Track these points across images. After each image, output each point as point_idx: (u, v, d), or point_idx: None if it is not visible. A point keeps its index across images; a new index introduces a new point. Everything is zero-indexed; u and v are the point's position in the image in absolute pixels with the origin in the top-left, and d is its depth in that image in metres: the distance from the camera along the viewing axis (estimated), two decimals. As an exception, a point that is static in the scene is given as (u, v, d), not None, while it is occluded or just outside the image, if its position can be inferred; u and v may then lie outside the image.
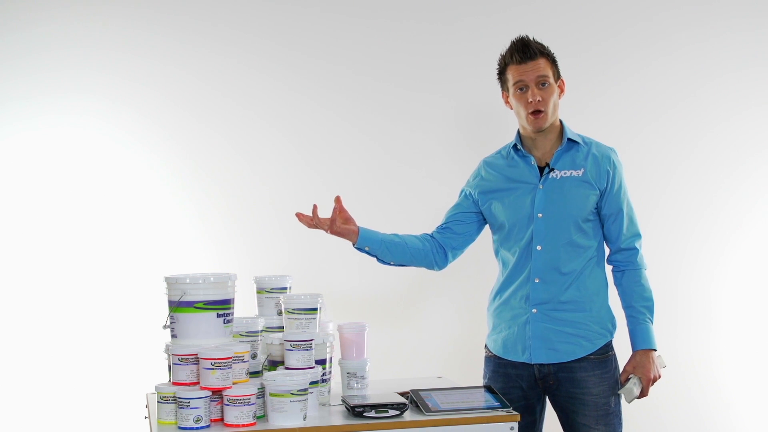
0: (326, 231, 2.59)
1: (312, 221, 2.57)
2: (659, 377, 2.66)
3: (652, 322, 2.67)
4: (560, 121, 2.72)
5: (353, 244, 2.65)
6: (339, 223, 2.58)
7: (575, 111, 3.50)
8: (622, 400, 2.67)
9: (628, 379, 2.64)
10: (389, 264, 2.73)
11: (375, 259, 2.71)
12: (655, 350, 2.65)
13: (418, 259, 2.74)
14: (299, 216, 2.59)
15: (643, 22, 3.75)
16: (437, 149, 3.62)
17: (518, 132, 2.74)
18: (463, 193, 2.83)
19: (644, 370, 2.63)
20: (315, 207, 2.56)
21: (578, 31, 3.69)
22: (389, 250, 2.69)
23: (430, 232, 2.80)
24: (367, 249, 2.66)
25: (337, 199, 2.58)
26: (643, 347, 2.65)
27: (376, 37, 3.60)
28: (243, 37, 3.51)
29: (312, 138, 3.56)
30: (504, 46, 2.71)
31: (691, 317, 3.75)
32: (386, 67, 3.60)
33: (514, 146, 2.74)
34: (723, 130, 3.77)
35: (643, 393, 2.65)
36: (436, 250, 2.77)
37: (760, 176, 3.79)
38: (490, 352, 2.76)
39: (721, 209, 3.77)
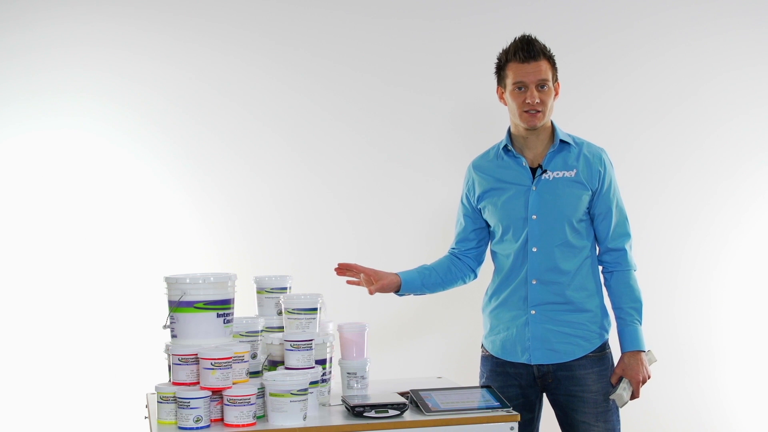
0: (370, 293, 2.69)
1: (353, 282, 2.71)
2: (649, 377, 2.64)
3: (640, 323, 2.65)
4: (551, 122, 2.70)
5: (396, 293, 2.76)
6: (374, 288, 2.67)
7: (575, 111, 3.51)
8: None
9: (618, 383, 2.63)
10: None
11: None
12: (644, 351, 2.64)
13: (450, 284, 2.84)
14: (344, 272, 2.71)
15: (643, 21, 3.74)
16: (435, 149, 3.62)
17: (508, 132, 2.72)
18: (462, 203, 2.83)
19: (633, 372, 2.62)
20: (341, 269, 2.69)
21: (576, 30, 3.68)
22: (427, 289, 2.80)
23: (448, 252, 2.86)
24: (407, 295, 2.79)
25: (341, 270, 2.69)
26: (631, 349, 2.63)
27: (376, 37, 3.59)
28: (244, 37, 3.50)
29: (312, 138, 3.55)
30: (502, 45, 2.70)
31: (690, 316, 3.75)
32: (387, 67, 3.60)
33: (505, 147, 2.72)
34: (726, 130, 3.77)
35: (634, 395, 2.64)
36: (461, 266, 2.82)
37: (761, 176, 3.79)
38: (487, 351, 2.76)
39: (720, 209, 3.77)
